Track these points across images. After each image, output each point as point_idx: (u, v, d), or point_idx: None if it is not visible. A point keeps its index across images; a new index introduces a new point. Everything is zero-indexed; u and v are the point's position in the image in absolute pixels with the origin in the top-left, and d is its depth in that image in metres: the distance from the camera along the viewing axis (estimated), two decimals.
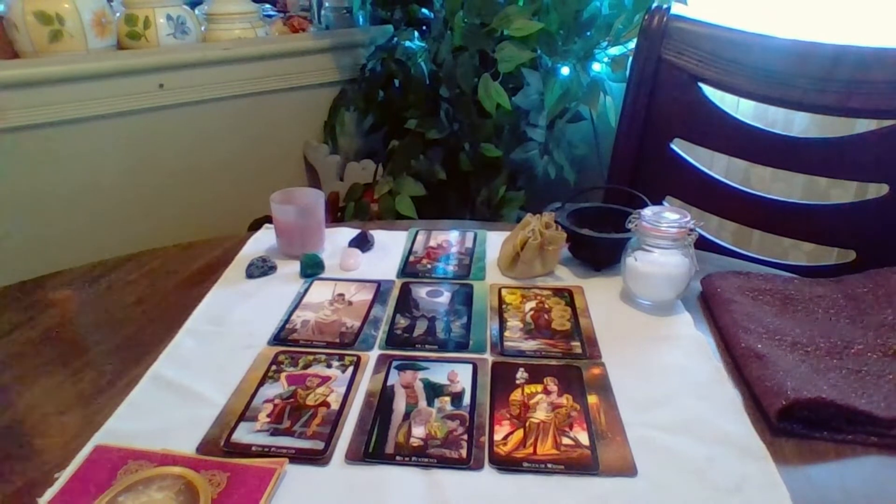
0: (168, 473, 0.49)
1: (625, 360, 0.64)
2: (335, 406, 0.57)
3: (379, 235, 0.89)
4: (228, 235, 0.91)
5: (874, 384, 0.58)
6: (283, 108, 1.63)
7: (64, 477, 0.49)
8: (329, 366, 0.63)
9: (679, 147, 1.05)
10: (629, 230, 0.71)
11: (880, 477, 0.51)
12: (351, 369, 0.62)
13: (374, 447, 0.52)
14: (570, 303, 0.74)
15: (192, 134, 1.50)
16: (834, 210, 0.97)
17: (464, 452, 0.52)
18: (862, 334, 0.65)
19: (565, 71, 1.36)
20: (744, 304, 0.69)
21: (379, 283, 0.78)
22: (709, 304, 0.73)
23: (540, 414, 0.56)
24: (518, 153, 1.44)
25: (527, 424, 0.55)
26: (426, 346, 0.66)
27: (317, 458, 0.51)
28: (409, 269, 0.82)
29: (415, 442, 0.53)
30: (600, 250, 0.79)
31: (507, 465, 0.51)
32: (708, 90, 1.01)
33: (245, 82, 1.53)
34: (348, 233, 0.89)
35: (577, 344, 0.66)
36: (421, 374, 0.61)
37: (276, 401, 0.58)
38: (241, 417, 0.56)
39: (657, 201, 0.83)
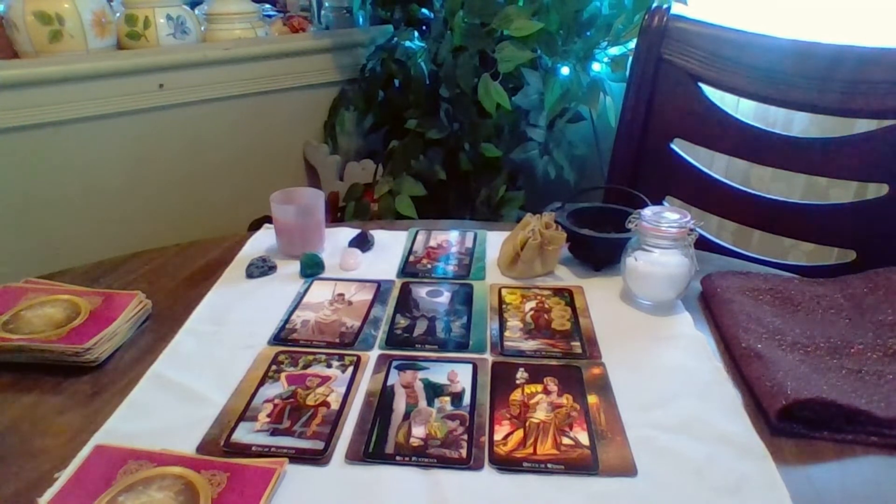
0: (168, 473, 0.49)
1: (625, 360, 0.64)
2: (335, 406, 0.57)
3: (379, 235, 0.89)
4: (228, 235, 0.91)
5: (874, 384, 0.58)
6: (283, 108, 1.63)
7: (64, 477, 0.49)
8: (329, 366, 0.63)
9: (679, 147, 1.05)
10: (629, 230, 0.71)
11: (880, 477, 0.51)
12: (351, 369, 0.62)
13: (374, 447, 0.52)
14: (570, 303, 0.74)
15: (192, 134, 1.50)
16: (834, 210, 0.97)
17: (464, 452, 0.52)
18: (862, 334, 0.65)
19: (565, 71, 1.36)
20: (744, 304, 0.69)
21: (379, 283, 0.78)
22: (709, 304, 0.73)
23: (540, 414, 0.56)
24: (518, 153, 1.44)
25: (527, 424, 0.55)
26: (426, 346, 0.66)
27: (317, 458, 0.51)
28: (409, 269, 0.82)
29: (415, 442, 0.53)
30: (600, 250, 0.79)
31: (507, 465, 0.51)
32: (708, 90, 1.01)
33: (245, 82, 1.53)
34: (348, 233, 0.89)
35: (577, 344, 0.66)
36: (421, 374, 0.61)
37: (276, 401, 0.58)
38: (241, 417, 0.56)
39: (657, 201, 0.83)
